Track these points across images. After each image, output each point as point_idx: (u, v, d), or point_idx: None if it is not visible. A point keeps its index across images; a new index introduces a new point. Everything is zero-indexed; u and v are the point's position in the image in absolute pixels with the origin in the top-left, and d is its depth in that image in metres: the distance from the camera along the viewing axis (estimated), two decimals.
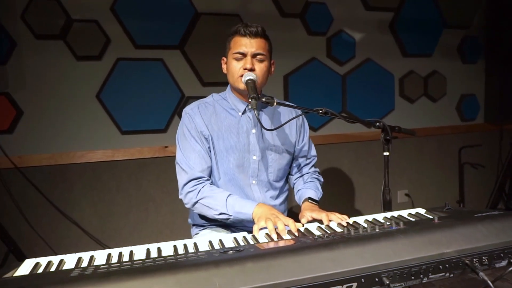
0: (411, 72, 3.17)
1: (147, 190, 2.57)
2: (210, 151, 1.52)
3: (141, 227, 2.57)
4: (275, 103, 1.36)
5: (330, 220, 1.28)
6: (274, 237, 1.13)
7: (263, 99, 1.36)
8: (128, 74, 2.45)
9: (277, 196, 1.63)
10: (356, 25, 2.96)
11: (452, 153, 3.40)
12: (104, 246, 2.46)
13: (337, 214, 1.31)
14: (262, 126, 1.37)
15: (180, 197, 1.51)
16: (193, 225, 1.66)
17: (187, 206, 1.50)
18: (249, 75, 1.42)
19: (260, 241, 1.12)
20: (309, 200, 1.55)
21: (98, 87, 2.42)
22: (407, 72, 3.16)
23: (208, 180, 1.49)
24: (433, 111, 3.29)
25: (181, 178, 1.49)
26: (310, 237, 1.01)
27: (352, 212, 3.08)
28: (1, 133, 2.27)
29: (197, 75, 2.59)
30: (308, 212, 1.37)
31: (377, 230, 1.00)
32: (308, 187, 1.63)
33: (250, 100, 1.32)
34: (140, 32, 2.44)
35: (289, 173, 1.73)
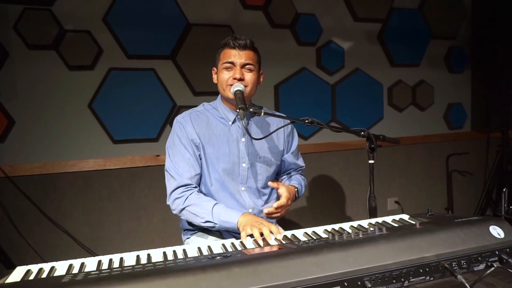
0: (399, 81, 3.24)
1: (139, 199, 2.58)
2: (201, 158, 1.56)
3: (133, 235, 2.57)
4: (262, 113, 1.41)
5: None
6: (261, 243, 1.17)
7: (251, 109, 1.41)
8: (120, 83, 2.48)
9: (265, 203, 1.67)
10: (345, 35, 3.02)
11: (440, 160, 3.46)
12: (95, 255, 2.45)
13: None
14: (250, 136, 1.41)
15: (167, 203, 1.55)
16: (184, 230, 1.69)
17: (174, 212, 1.53)
18: (238, 86, 1.46)
19: (248, 247, 1.15)
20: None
21: (90, 97, 2.44)
22: (396, 81, 3.23)
23: (196, 187, 1.53)
24: (421, 119, 3.36)
25: (170, 185, 1.53)
26: (296, 242, 1.04)
27: (342, 218, 3.11)
28: None
29: (189, 85, 2.63)
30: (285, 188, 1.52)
31: (360, 236, 1.03)
32: (293, 179, 1.72)
33: (238, 110, 1.37)
34: (132, 42, 2.48)
35: (277, 175, 1.80)
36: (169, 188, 1.53)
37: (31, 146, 2.35)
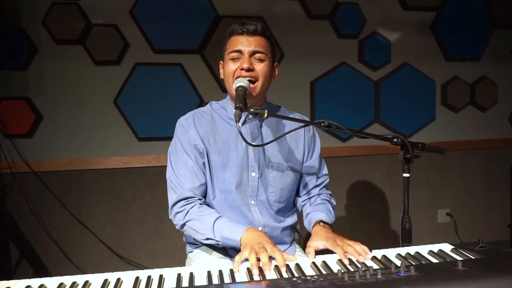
0: (456, 78, 2.86)
1: (162, 198, 2.48)
2: (205, 166, 1.38)
3: (156, 237, 2.49)
4: (265, 115, 1.18)
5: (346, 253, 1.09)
6: (255, 272, 0.96)
7: (251, 110, 1.18)
8: (146, 79, 2.40)
9: (281, 220, 1.43)
10: (392, 26, 2.72)
11: (503, 169, 3.02)
12: (118, 255, 2.40)
13: (356, 246, 1.11)
14: (245, 141, 1.17)
15: (169, 217, 1.39)
16: (188, 243, 1.53)
17: (177, 227, 1.37)
18: (240, 82, 1.25)
19: (238, 277, 0.95)
20: (321, 224, 1.35)
21: (116, 93, 2.38)
22: (451, 78, 2.86)
23: (199, 200, 1.34)
24: (482, 121, 2.95)
25: (170, 198, 1.37)
26: (294, 279, 0.83)
27: (384, 231, 2.82)
28: (21, 137, 2.30)
29: (217, 81, 2.49)
30: (322, 241, 1.19)
31: (378, 276, 0.80)
32: (318, 209, 1.40)
33: (235, 110, 1.15)
34: (159, 36, 2.38)
35: (297, 194, 1.52)
36: (170, 202, 1.37)
37: (57, 142, 2.34)
